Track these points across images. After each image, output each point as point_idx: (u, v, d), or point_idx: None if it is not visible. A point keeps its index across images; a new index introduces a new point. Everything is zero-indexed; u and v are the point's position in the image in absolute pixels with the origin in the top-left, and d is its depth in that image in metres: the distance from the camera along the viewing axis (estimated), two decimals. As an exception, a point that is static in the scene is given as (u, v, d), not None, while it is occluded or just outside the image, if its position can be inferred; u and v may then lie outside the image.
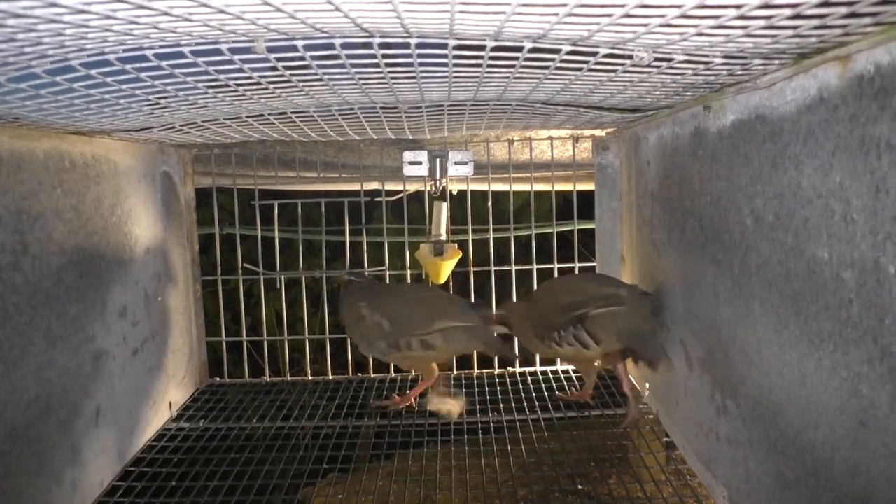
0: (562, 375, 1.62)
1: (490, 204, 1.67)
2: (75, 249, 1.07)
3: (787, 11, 0.48)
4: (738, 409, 0.89)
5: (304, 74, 0.75)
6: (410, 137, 1.48)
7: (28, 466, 0.93)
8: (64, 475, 1.02)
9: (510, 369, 1.67)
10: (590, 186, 1.68)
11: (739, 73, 0.72)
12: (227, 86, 0.78)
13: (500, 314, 1.45)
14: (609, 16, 0.50)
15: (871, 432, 0.59)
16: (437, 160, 1.63)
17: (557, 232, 1.72)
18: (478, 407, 1.45)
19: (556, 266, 1.68)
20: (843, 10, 0.47)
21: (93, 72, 0.67)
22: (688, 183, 1.05)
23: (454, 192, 1.73)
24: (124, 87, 0.74)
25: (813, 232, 0.67)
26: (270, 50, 0.63)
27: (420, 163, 1.63)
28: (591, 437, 1.31)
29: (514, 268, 1.68)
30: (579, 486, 1.15)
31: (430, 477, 1.18)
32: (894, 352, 0.55)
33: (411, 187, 1.74)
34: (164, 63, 0.66)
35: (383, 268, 1.71)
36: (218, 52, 0.63)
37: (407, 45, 0.64)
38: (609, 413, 1.40)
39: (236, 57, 0.65)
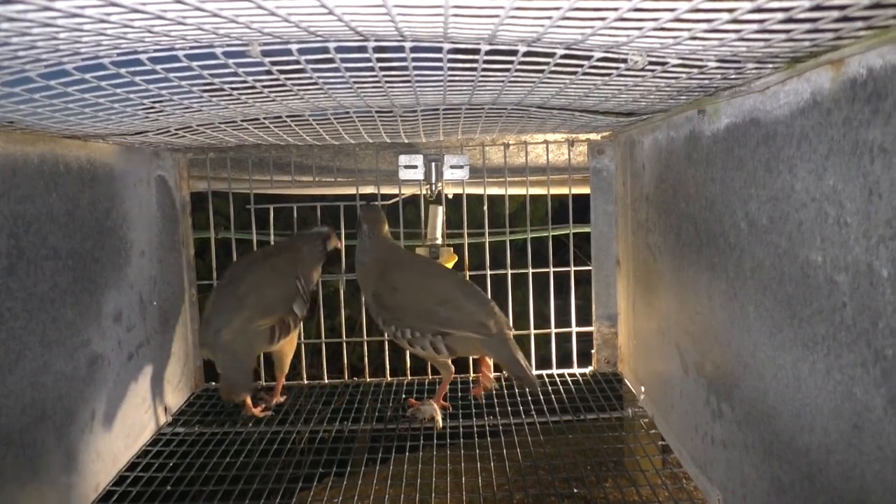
0: (557, 379, 1.62)
1: (486, 208, 1.67)
2: (70, 254, 1.07)
3: (780, 15, 0.48)
4: (733, 412, 0.89)
5: (299, 78, 0.75)
6: (406, 141, 1.48)
7: (23, 471, 0.92)
8: (59, 480, 1.01)
9: (506, 373, 1.66)
10: (585, 190, 1.68)
11: (733, 76, 0.73)
12: (222, 89, 0.78)
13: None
14: (603, 19, 0.51)
15: (866, 435, 0.59)
16: (433, 164, 1.63)
17: (553, 235, 1.73)
18: (473, 411, 1.45)
19: (552, 270, 1.68)
20: (835, 13, 0.48)
21: (87, 76, 0.66)
22: (683, 186, 1.05)
23: (450, 196, 1.73)
24: (119, 91, 0.74)
25: (807, 235, 0.67)
26: (265, 53, 0.63)
27: (416, 167, 1.63)
28: (587, 441, 1.31)
29: (509, 272, 1.68)
30: (575, 490, 1.15)
31: (425, 481, 1.17)
32: (888, 355, 0.55)
33: (407, 191, 1.74)
34: (158, 67, 0.66)
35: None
36: (212, 55, 0.63)
37: (402, 49, 0.64)
38: (605, 416, 1.40)
39: (231, 61, 0.65)
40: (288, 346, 1.48)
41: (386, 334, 1.45)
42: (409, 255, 1.55)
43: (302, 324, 1.70)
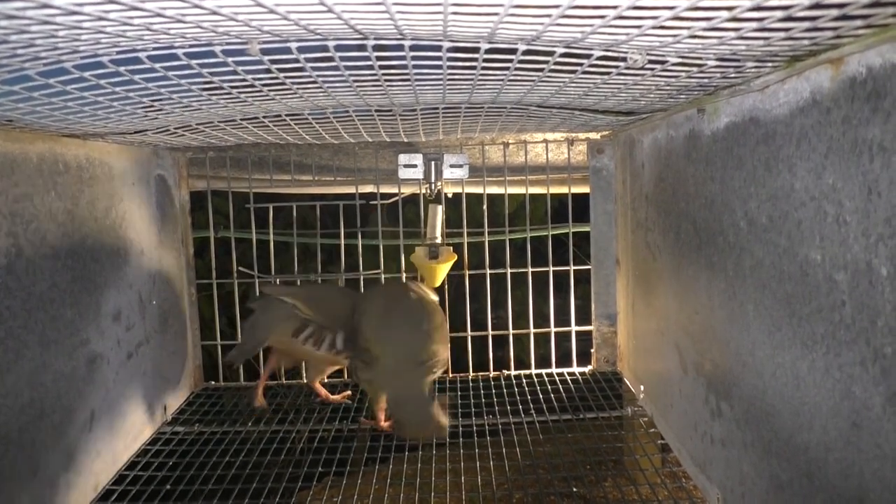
0: (556, 378, 1.62)
1: (485, 207, 1.67)
2: (69, 253, 1.07)
3: (779, 14, 0.48)
4: (732, 411, 0.89)
5: (299, 77, 0.75)
6: (405, 140, 1.48)
7: (21, 471, 0.92)
8: (58, 479, 1.01)
9: (505, 372, 1.67)
10: (585, 189, 1.68)
11: (733, 75, 0.73)
12: (221, 88, 0.78)
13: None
14: (602, 17, 0.51)
15: (864, 433, 0.59)
16: (433, 163, 1.63)
17: (553, 235, 1.73)
18: (473, 410, 1.45)
19: (552, 269, 1.68)
20: (835, 12, 0.48)
21: (86, 74, 0.66)
22: (682, 186, 1.05)
23: (449, 195, 1.73)
24: (118, 89, 0.74)
25: (806, 234, 0.67)
26: (264, 52, 0.63)
27: (415, 166, 1.63)
28: (586, 440, 1.31)
29: (509, 271, 1.68)
30: (574, 489, 1.15)
31: (425, 480, 1.17)
32: (887, 353, 0.55)
33: (406, 190, 1.74)
34: (157, 65, 0.66)
35: (378, 271, 1.71)
36: (212, 54, 0.63)
37: (401, 48, 0.64)
38: (604, 416, 1.40)
39: (230, 59, 0.65)
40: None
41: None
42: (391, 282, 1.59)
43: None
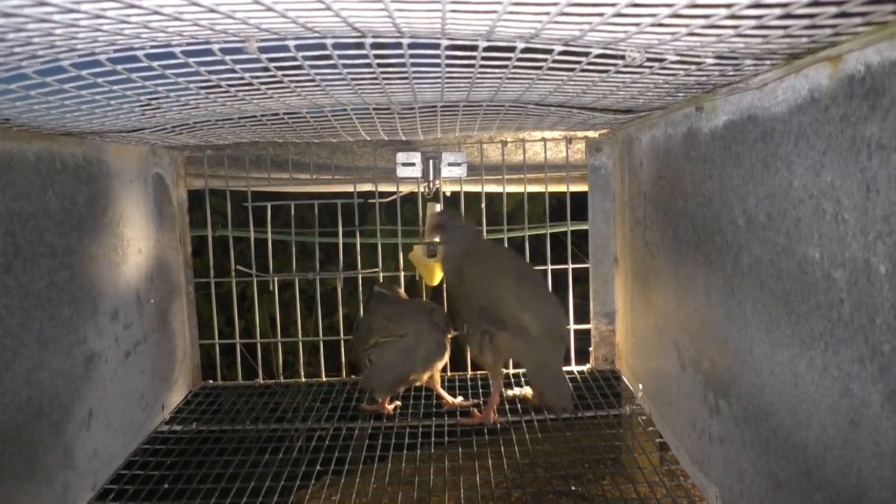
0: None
1: (483, 205, 1.67)
2: (67, 251, 1.06)
3: (778, 11, 0.48)
4: (730, 409, 0.89)
5: (296, 75, 0.75)
6: (403, 139, 1.48)
7: (19, 469, 0.92)
8: (55, 478, 1.01)
9: (504, 370, 1.66)
10: (583, 188, 1.68)
11: (731, 73, 0.73)
12: (219, 86, 0.78)
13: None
14: (600, 15, 0.50)
15: (863, 431, 0.59)
16: (431, 162, 1.63)
17: (551, 233, 1.73)
18: (471, 409, 1.45)
19: (550, 267, 1.68)
20: (833, 9, 0.48)
21: (83, 72, 0.66)
22: (680, 184, 1.05)
23: (448, 194, 1.73)
24: (115, 87, 0.74)
25: (804, 232, 0.67)
26: (262, 50, 0.63)
27: (413, 164, 1.63)
28: (585, 439, 1.31)
29: (507, 269, 1.67)
30: (573, 488, 1.15)
31: (423, 479, 1.17)
32: (885, 350, 0.55)
33: (405, 189, 1.74)
34: (155, 63, 0.66)
35: (377, 269, 1.71)
36: (209, 52, 0.63)
37: (399, 46, 0.64)
38: (603, 414, 1.40)
39: (228, 57, 0.65)
40: None
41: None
42: (491, 249, 1.55)
43: (300, 322, 1.70)
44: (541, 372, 1.29)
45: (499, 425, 1.35)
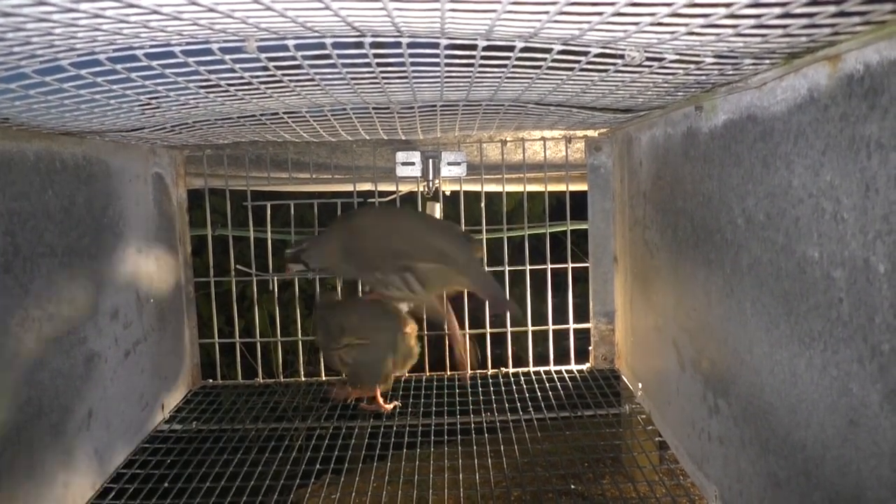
0: (554, 376, 1.62)
1: (483, 205, 1.67)
2: (66, 251, 1.06)
3: (777, 10, 0.48)
4: (729, 408, 0.89)
5: (296, 74, 0.75)
6: (403, 138, 1.48)
7: (19, 469, 0.92)
8: (55, 478, 1.01)
9: (503, 369, 1.67)
10: (583, 187, 1.68)
11: (730, 72, 0.73)
12: (219, 86, 0.78)
13: (296, 251, 1.44)
14: (599, 14, 0.50)
15: (862, 431, 0.59)
16: (430, 161, 1.63)
17: (551, 233, 1.73)
18: (471, 408, 1.45)
19: (550, 266, 1.68)
20: (832, 9, 0.48)
21: (83, 72, 0.66)
22: (680, 183, 1.05)
23: (447, 193, 1.73)
24: (115, 87, 0.74)
25: (804, 231, 0.67)
26: (261, 49, 0.63)
27: (413, 164, 1.63)
28: (585, 438, 1.31)
29: (507, 269, 1.68)
30: (572, 487, 1.15)
31: (423, 478, 1.17)
32: (884, 350, 0.55)
33: (404, 188, 1.74)
34: (154, 63, 0.65)
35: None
36: (209, 51, 0.63)
37: (398, 45, 0.64)
38: (602, 413, 1.40)
39: (227, 57, 0.65)
40: None
41: (366, 288, 1.43)
42: (377, 213, 1.57)
43: (300, 321, 1.70)
44: (479, 279, 1.31)
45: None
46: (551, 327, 1.69)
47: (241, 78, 0.75)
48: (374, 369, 1.39)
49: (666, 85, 0.82)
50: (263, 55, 0.65)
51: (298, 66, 0.70)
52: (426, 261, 1.30)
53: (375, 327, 1.41)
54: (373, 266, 1.35)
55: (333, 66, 0.71)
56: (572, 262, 1.69)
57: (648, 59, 0.66)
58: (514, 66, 0.73)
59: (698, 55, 0.65)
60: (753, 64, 0.68)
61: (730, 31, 0.54)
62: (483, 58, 0.68)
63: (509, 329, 1.68)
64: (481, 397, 1.50)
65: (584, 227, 1.69)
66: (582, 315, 1.69)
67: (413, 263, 1.30)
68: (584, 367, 1.67)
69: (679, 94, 0.90)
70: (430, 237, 1.33)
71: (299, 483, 1.19)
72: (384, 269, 1.32)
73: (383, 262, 1.32)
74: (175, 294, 1.55)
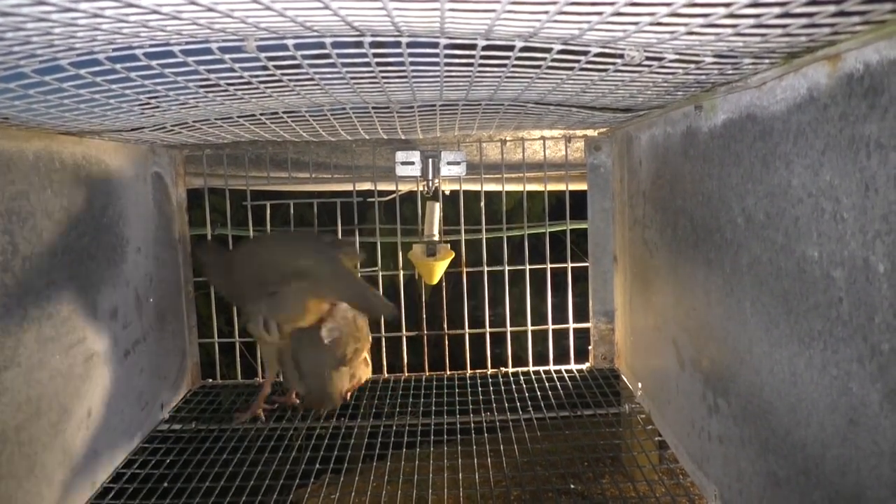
0: (554, 375, 1.62)
1: (483, 204, 1.67)
2: (66, 250, 1.06)
3: (776, 10, 0.48)
4: (729, 407, 0.89)
5: (295, 74, 0.74)
6: (403, 138, 1.47)
7: (18, 469, 0.92)
8: (55, 477, 1.01)
9: (503, 369, 1.67)
10: (582, 186, 1.68)
11: (730, 72, 0.73)
12: (218, 85, 0.78)
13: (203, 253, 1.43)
14: (599, 14, 0.50)
15: (862, 430, 0.59)
16: (430, 160, 1.63)
17: (550, 232, 1.73)
18: (471, 407, 1.45)
19: (549, 266, 1.68)
20: (832, 8, 0.48)
21: (82, 71, 0.66)
22: (679, 182, 1.05)
23: (447, 193, 1.73)
24: (114, 86, 0.74)
25: (803, 231, 0.67)
26: (261, 49, 0.63)
27: (412, 163, 1.63)
28: (584, 437, 1.31)
29: (506, 268, 1.68)
30: (572, 486, 1.15)
31: (423, 477, 1.17)
32: (884, 350, 0.55)
33: (404, 188, 1.74)
34: (154, 62, 0.65)
35: (375, 268, 1.71)
36: (208, 51, 0.63)
37: (398, 45, 0.64)
38: (602, 412, 1.40)
39: (227, 56, 0.65)
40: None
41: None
42: (263, 236, 1.57)
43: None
44: (346, 291, 1.25)
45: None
46: (551, 327, 1.69)
47: (241, 77, 0.75)
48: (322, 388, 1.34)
49: (665, 84, 0.82)
50: (263, 55, 0.65)
51: (298, 66, 0.70)
52: (285, 283, 1.23)
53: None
54: (243, 298, 1.31)
55: (333, 65, 0.71)
56: (572, 261, 1.69)
57: (648, 58, 0.66)
58: (514, 66, 0.73)
59: (698, 55, 0.65)
60: (753, 63, 0.68)
61: (729, 30, 0.54)
62: (483, 57, 0.68)
63: (509, 329, 1.68)
64: (481, 397, 1.50)
65: (583, 226, 1.69)
66: (581, 314, 1.69)
67: (276, 289, 1.24)
68: (584, 366, 1.67)
69: (679, 93, 0.90)
70: (287, 258, 1.27)
71: (299, 483, 1.19)
72: (252, 298, 1.27)
73: (251, 291, 1.28)
74: (174, 294, 1.55)
